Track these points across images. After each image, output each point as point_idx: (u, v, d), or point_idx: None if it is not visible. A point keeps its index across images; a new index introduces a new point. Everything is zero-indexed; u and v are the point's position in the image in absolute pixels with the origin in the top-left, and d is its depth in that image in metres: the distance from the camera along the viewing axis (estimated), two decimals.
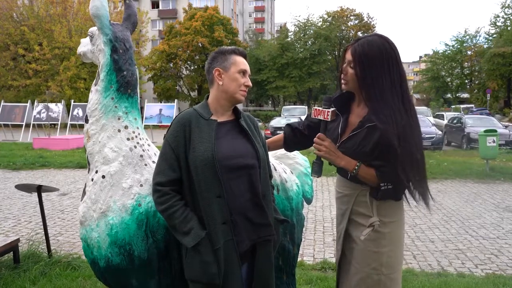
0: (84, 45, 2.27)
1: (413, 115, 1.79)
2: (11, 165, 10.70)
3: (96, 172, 2.05)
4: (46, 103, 19.68)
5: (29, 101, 20.00)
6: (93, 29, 2.18)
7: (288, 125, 2.25)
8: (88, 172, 2.14)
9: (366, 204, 1.86)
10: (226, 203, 1.73)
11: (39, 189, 3.88)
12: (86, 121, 2.12)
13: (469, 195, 7.50)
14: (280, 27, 55.96)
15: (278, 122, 18.64)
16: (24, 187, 3.95)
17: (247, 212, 1.79)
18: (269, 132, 17.19)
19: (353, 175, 1.83)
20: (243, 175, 1.80)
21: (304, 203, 2.71)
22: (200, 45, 37.89)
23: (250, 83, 1.87)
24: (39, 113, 18.84)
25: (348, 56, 1.85)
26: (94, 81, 2.15)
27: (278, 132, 15.85)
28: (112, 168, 2.01)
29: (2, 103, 19.18)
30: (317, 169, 1.91)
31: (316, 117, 1.93)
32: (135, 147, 2.08)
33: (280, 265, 2.38)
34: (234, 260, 1.75)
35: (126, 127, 2.09)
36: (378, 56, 1.77)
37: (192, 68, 41.04)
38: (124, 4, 2.28)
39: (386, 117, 1.73)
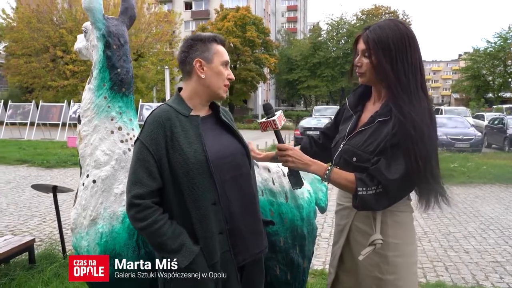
0: (80, 41, 2.17)
1: (431, 110, 1.56)
2: (45, 163, 11.01)
3: (87, 176, 1.93)
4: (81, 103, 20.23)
5: (65, 101, 20.64)
6: (87, 24, 2.06)
7: (308, 136, 2.07)
8: (80, 176, 2.01)
9: (369, 220, 1.62)
10: (222, 210, 1.55)
11: (55, 190, 3.86)
12: (79, 121, 2.00)
13: (510, 202, 6.99)
14: (313, 26, 55.27)
15: (308, 122, 18.00)
16: (40, 187, 3.94)
17: (242, 218, 1.61)
18: (298, 132, 16.58)
19: (325, 179, 1.62)
20: (235, 176, 1.61)
21: (318, 211, 2.49)
22: (232, 46, 37.99)
23: (232, 76, 1.67)
24: (74, 112, 19.39)
25: (361, 45, 1.64)
26: (88, 79, 2.03)
27: (307, 132, 15.42)
28: (104, 173, 1.88)
29: (40, 103, 19.92)
30: (294, 181, 1.70)
31: (265, 130, 1.72)
32: (129, 150, 1.94)
33: (288, 280, 2.17)
34: (233, 274, 1.58)
35: (119, 128, 1.95)
36: (393, 38, 1.55)
37: None
38: None
39: (406, 109, 1.50)
